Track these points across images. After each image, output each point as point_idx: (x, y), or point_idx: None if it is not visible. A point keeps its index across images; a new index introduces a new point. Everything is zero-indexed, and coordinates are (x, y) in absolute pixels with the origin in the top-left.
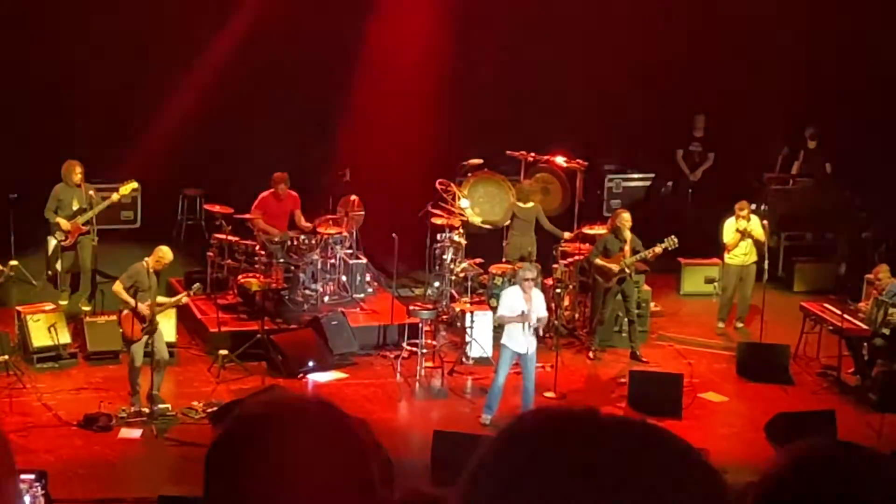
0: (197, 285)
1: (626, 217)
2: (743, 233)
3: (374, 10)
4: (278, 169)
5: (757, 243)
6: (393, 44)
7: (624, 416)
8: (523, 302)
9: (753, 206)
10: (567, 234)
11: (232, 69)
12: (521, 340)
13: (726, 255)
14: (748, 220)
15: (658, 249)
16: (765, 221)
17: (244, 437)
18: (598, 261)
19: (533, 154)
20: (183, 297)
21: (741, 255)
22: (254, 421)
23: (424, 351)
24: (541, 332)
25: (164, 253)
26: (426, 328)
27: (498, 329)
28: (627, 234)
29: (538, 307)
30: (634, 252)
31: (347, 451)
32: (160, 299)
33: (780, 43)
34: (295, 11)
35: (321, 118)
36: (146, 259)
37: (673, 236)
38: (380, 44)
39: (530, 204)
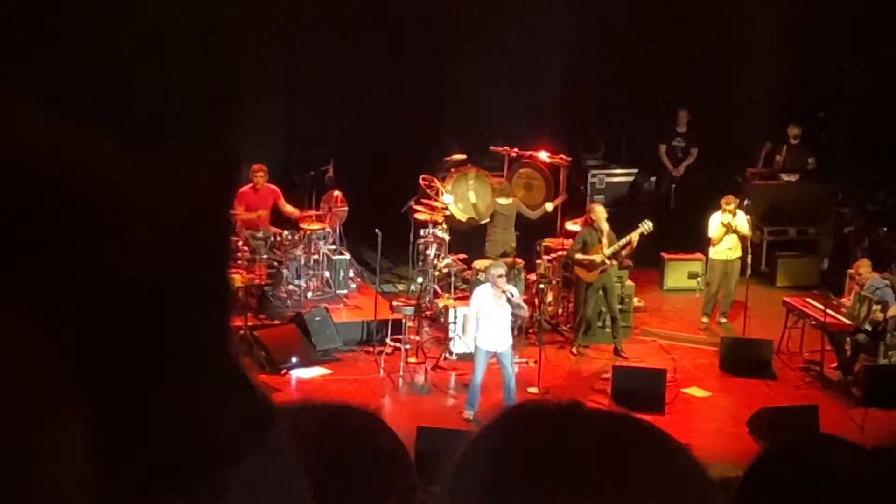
0: None
1: (599, 210)
2: (728, 227)
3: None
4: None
5: (742, 238)
6: (383, 40)
7: (607, 410)
8: (493, 300)
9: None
10: (548, 205)
11: None
12: (491, 339)
13: (711, 250)
14: (734, 214)
15: (635, 235)
16: (748, 216)
17: None
18: (579, 255)
19: (516, 149)
20: None
21: (726, 249)
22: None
23: (408, 347)
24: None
25: None
26: (409, 324)
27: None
28: (604, 226)
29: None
30: (612, 244)
31: (396, 464)
32: None
33: (764, 38)
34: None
35: (304, 112)
36: None
37: (647, 220)
38: (371, 40)
39: (510, 200)
